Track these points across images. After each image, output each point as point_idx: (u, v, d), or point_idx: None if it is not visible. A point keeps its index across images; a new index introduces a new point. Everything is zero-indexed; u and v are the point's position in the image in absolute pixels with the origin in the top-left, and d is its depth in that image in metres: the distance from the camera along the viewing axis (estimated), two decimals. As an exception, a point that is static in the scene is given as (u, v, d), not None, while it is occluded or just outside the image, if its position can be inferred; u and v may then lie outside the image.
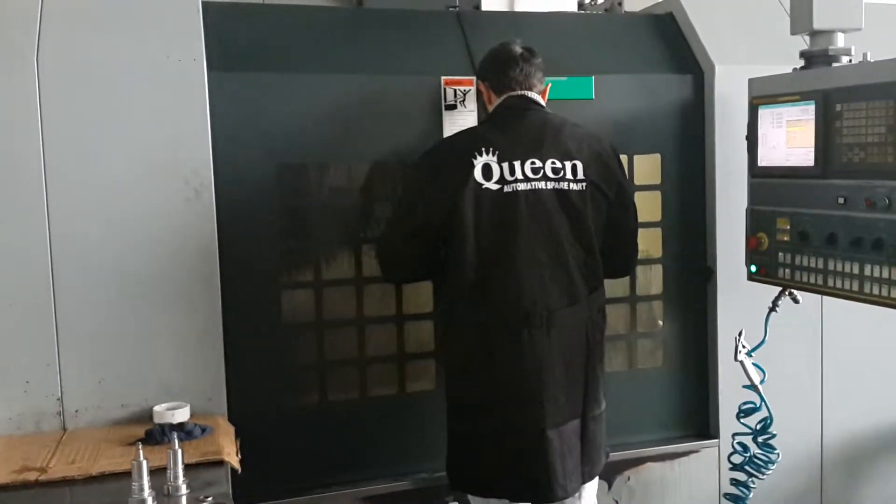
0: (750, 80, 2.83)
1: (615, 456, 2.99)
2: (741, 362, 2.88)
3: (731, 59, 3.08)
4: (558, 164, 2.46)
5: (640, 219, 2.73)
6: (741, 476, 3.00)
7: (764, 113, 2.76)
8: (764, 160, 2.78)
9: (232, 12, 2.83)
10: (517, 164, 2.44)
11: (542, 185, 2.44)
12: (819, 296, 2.79)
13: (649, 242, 3.06)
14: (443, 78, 2.83)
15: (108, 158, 2.46)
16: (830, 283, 2.57)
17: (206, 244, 2.55)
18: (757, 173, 2.83)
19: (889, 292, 2.37)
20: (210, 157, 2.55)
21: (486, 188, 2.42)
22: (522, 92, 2.55)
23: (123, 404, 2.50)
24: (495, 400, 2.45)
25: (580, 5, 3.89)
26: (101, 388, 2.48)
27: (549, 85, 2.64)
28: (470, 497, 2.63)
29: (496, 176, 2.42)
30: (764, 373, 2.90)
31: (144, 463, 1.80)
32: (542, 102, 2.59)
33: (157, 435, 2.30)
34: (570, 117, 2.62)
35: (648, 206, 3.03)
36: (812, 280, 2.64)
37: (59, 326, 2.44)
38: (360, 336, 2.82)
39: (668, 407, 3.17)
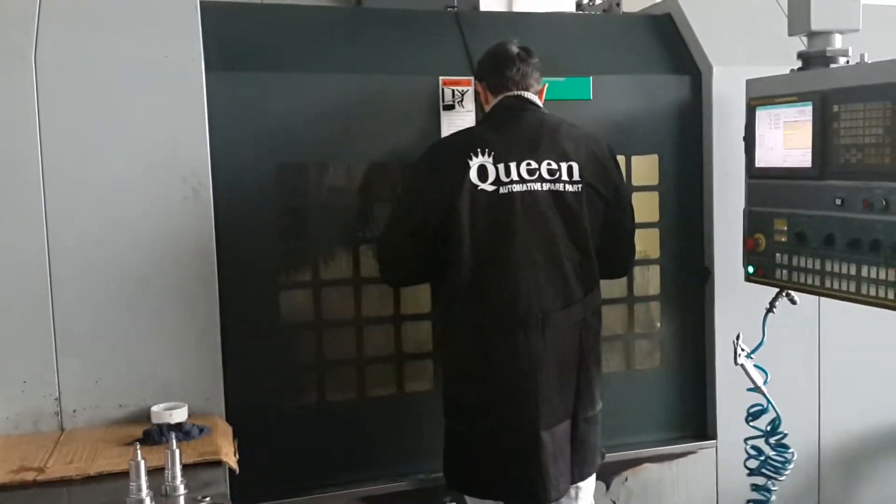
0: (747, 81, 2.84)
1: (613, 457, 3.00)
2: (742, 365, 2.88)
3: (729, 60, 3.08)
4: (554, 166, 2.46)
5: (638, 219, 2.73)
6: (760, 480, 2.99)
7: (761, 114, 2.77)
8: (761, 161, 2.79)
9: (230, 12, 2.83)
10: (513, 165, 2.43)
11: (537, 186, 2.44)
12: (816, 297, 2.79)
13: (647, 243, 3.06)
14: (441, 78, 2.83)
15: (107, 158, 2.46)
16: (828, 284, 2.57)
17: (204, 244, 2.55)
18: (754, 174, 2.83)
19: (886, 293, 2.37)
20: (208, 157, 2.55)
21: (482, 189, 2.41)
22: (519, 92, 2.55)
23: (121, 404, 2.50)
24: (491, 400, 2.46)
25: (578, 6, 3.90)
26: (99, 388, 2.48)
27: (547, 85, 2.64)
28: (466, 498, 2.63)
29: (492, 177, 2.42)
30: (766, 374, 2.90)
31: (142, 463, 1.80)
32: (539, 103, 2.59)
33: (154, 435, 2.30)
34: (567, 118, 2.62)
35: (646, 207, 3.03)
36: (809, 281, 2.64)
37: (57, 326, 2.44)
38: (359, 336, 2.82)
39: (666, 408, 3.18)
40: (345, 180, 2.79)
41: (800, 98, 2.61)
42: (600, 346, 2.62)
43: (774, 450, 2.95)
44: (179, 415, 2.37)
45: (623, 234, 2.65)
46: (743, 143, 2.85)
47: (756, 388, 2.90)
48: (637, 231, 2.73)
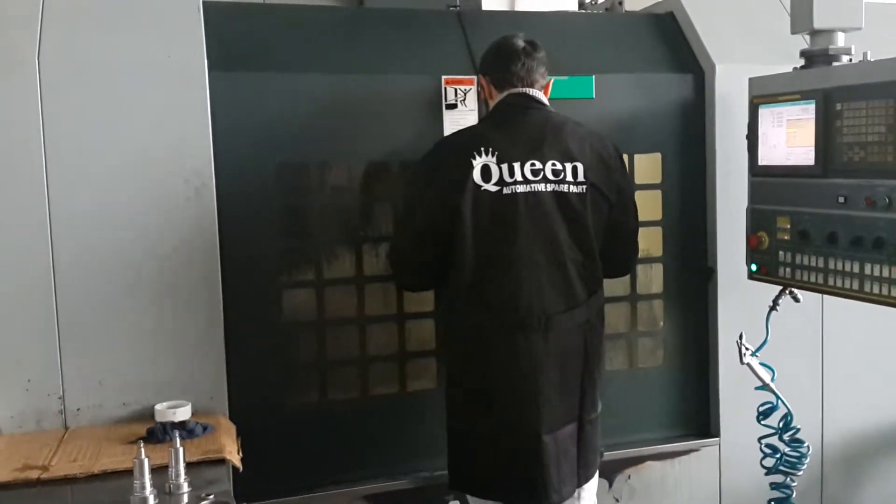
0: (750, 80, 2.83)
1: (616, 454, 3.00)
2: (748, 364, 2.88)
3: (732, 59, 3.08)
4: (559, 166, 2.43)
5: (641, 218, 2.73)
6: (778, 478, 2.98)
7: (764, 112, 2.77)
8: (764, 159, 2.79)
9: (232, 12, 2.83)
10: (517, 165, 2.41)
11: (541, 187, 2.42)
12: (819, 295, 2.79)
13: (650, 241, 3.06)
14: (443, 77, 2.83)
15: (110, 158, 2.47)
16: (831, 282, 2.57)
17: (207, 243, 2.56)
18: (757, 172, 2.83)
19: (889, 291, 2.37)
20: (211, 157, 2.55)
21: (485, 190, 2.39)
22: (524, 89, 2.51)
23: (125, 403, 2.51)
24: (492, 401, 2.44)
25: (581, 4, 3.89)
26: (103, 386, 2.49)
27: (552, 79, 2.60)
28: (468, 497, 2.63)
29: (495, 177, 2.40)
30: (773, 371, 2.90)
31: (146, 461, 1.81)
32: (545, 100, 2.55)
33: (158, 433, 2.31)
34: (571, 117, 2.61)
35: (649, 206, 3.03)
36: (812, 279, 2.64)
37: (61, 325, 2.44)
38: (362, 335, 2.83)
39: (669, 406, 3.18)
40: (347, 180, 2.80)
41: (803, 96, 2.61)
42: (603, 347, 2.61)
43: (789, 445, 2.95)
44: (183, 413, 2.38)
45: (626, 234, 2.63)
46: (746, 142, 2.85)
47: (765, 386, 2.89)
48: (640, 229, 2.73)
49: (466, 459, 2.53)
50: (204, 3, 2.66)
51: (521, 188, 2.40)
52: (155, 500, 1.80)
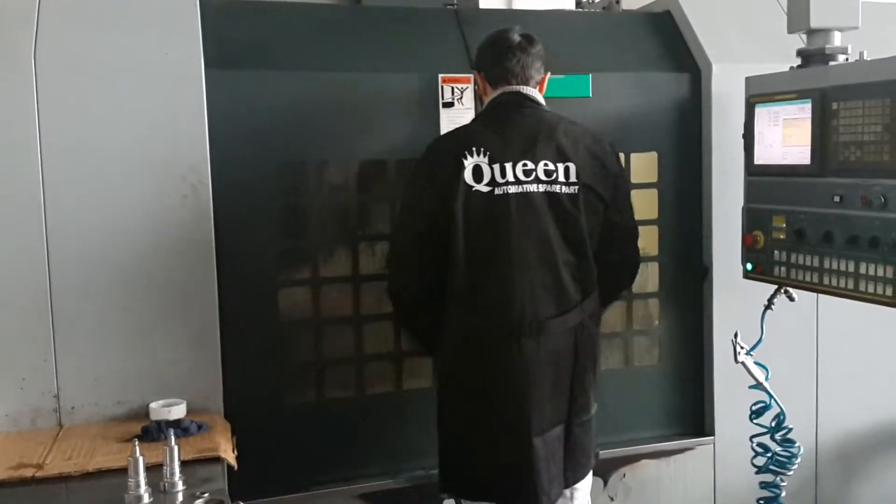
0: (747, 79, 2.84)
1: (611, 453, 3.01)
2: (743, 363, 2.88)
3: (729, 58, 3.08)
4: (551, 167, 2.40)
5: (637, 217, 2.71)
6: (768, 477, 2.99)
7: (761, 111, 2.77)
8: (760, 158, 2.79)
9: (230, 10, 2.83)
10: (508, 165, 2.37)
11: (533, 187, 2.38)
12: (814, 294, 2.80)
13: (646, 240, 3.05)
14: (440, 75, 2.83)
15: (106, 156, 2.46)
16: (826, 281, 2.57)
17: (203, 241, 2.55)
18: (753, 171, 2.83)
19: (884, 290, 2.37)
20: (207, 155, 2.55)
21: (477, 190, 2.36)
22: (518, 88, 2.48)
23: (120, 401, 2.50)
24: (483, 405, 2.42)
25: (578, 3, 3.90)
26: (98, 384, 2.49)
27: (549, 74, 2.56)
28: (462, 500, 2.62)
29: (487, 178, 2.36)
30: (767, 370, 2.90)
31: (141, 459, 1.81)
32: (540, 99, 2.52)
33: (153, 432, 2.31)
34: (567, 115, 2.59)
35: (645, 204, 3.03)
36: (808, 278, 2.64)
37: (56, 323, 2.44)
38: (358, 334, 2.83)
39: (664, 404, 3.18)
40: (344, 178, 2.79)
41: (799, 95, 2.61)
42: (597, 349, 2.57)
43: (781, 445, 2.95)
44: (178, 412, 2.38)
45: (619, 234, 2.56)
46: (742, 141, 2.85)
47: (758, 385, 2.90)
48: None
49: (457, 462, 2.50)
50: (201, 1, 2.65)
51: (512, 189, 2.37)
52: (149, 498, 1.80)
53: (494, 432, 2.41)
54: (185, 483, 1.90)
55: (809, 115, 2.57)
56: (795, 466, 2.95)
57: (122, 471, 1.88)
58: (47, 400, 2.45)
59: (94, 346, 2.48)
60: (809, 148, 2.59)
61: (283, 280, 2.74)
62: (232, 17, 2.80)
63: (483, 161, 2.37)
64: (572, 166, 2.42)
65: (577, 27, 3.28)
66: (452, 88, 2.84)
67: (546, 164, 2.40)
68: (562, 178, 2.41)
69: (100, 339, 2.48)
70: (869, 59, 2.51)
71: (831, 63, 2.66)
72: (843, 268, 2.51)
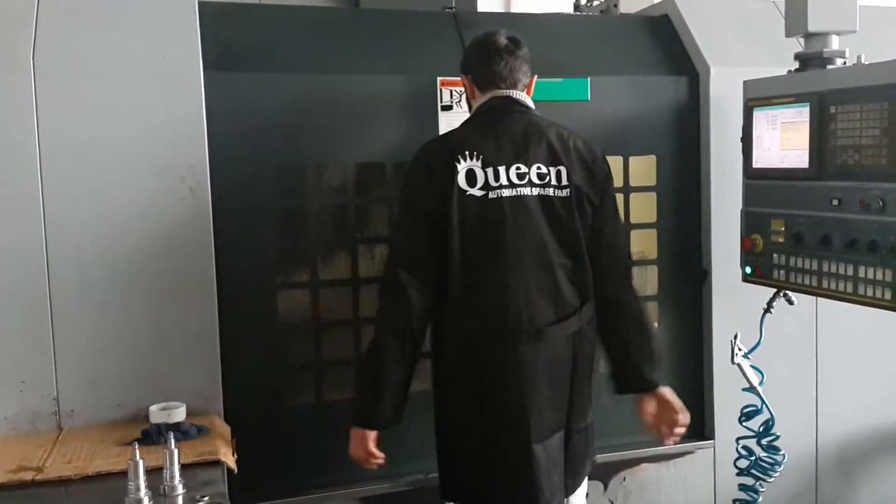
0: (745, 82, 2.84)
1: (611, 457, 3.00)
2: (738, 365, 2.89)
3: (727, 61, 3.09)
4: (543, 170, 2.38)
5: (636, 220, 2.73)
6: (749, 481, 2.99)
7: (759, 115, 2.78)
8: (759, 162, 2.79)
9: (228, 12, 2.83)
10: (502, 169, 2.35)
11: (526, 191, 2.36)
12: (813, 297, 2.80)
13: (644, 244, 3.07)
14: (439, 79, 2.84)
15: (104, 157, 2.46)
16: (825, 284, 2.58)
17: (201, 243, 2.55)
18: (752, 175, 2.84)
19: (883, 294, 2.38)
20: (206, 157, 2.55)
21: (471, 195, 2.34)
22: (508, 92, 2.45)
23: (119, 404, 2.50)
24: (483, 411, 2.40)
25: (576, 7, 3.91)
26: (97, 387, 2.48)
27: (535, 77, 2.53)
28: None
29: (480, 182, 2.35)
30: (762, 374, 2.90)
31: (140, 463, 1.80)
32: (529, 102, 2.49)
33: (153, 435, 2.30)
34: (565, 119, 2.58)
35: (644, 208, 3.04)
36: (806, 281, 2.65)
37: (55, 326, 2.44)
38: (357, 336, 2.82)
39: (664, 408, 3.17)
40: (342, 180, 2.79)
41: (797, 99, 2.62)
42: (595, 356, 2.55)
43: (766, 451, 2.96)
44: (178, 415, 2.37)
45: (604, 242, 2.47)
46: (740, 144, 2.86)
47: (751, 389, 2.90)
48: (634, 231, 2.72)
49: (457, 469, 2.49)
50: (199, 2, 2.65)
51: (506, 192, 2.35)
52: (149, 501, 1.79)
53: (494, 433, 2.40)
54: (185, 486, 1.89)
55: (808, 119, 2.58)
56: (777, 474, 2.95)
57: (122, 474, 1.87)
58: (47, 403, 2.45)
59: (94, 349, 2.47)
60: (808, 151, 2.59)
61: (283, 282, 2.74)
62: (230, 19, 2.80)
63: (476, 165, 2.36)
64: (563, 169, 2.40)
65: (575, 31, 3.28)
66: (451, 91, 2.85)
67: (539, 168, 2.38)
68: (554, 182, 2.39)
69: (99, 341, 2.47)
70: (867, 62, 2.51)
71: (829, 67, 2.67)
72: (841, 271, 2.51)
